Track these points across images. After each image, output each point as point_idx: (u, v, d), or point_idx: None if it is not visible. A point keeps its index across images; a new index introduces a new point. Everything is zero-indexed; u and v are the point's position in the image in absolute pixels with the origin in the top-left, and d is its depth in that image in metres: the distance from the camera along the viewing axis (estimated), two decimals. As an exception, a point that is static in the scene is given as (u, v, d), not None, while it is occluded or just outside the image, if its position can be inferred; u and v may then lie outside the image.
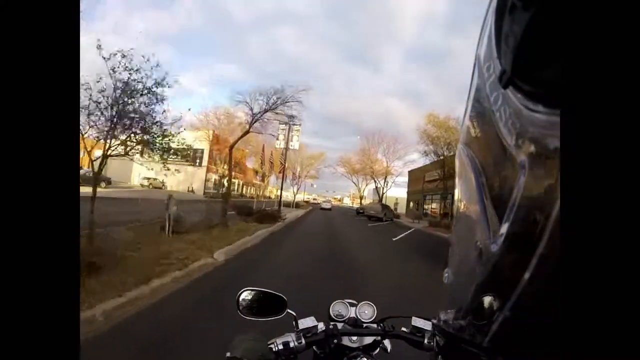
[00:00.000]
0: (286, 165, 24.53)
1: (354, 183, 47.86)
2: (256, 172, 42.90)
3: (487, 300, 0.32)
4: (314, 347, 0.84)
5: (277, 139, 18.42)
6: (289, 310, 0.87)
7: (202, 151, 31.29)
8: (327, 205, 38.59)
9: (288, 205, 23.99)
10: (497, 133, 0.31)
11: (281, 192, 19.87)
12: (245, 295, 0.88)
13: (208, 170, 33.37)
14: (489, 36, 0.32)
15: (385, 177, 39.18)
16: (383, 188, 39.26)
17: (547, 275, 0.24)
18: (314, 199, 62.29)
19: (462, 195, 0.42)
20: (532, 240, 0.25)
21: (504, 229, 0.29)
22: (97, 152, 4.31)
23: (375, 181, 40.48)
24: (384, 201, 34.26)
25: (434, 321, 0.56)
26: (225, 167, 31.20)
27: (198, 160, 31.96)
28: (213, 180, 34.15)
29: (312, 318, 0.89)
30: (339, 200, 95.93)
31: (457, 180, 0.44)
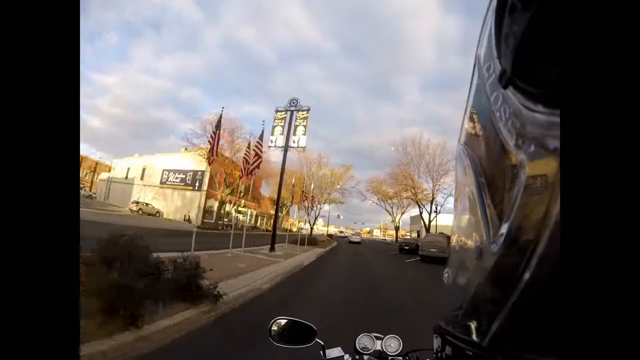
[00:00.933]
0: (305, 189, 21.25)
1: (388, 212, 40.42)
2: (274, 202, 36.75)
3: (487, 300, 0.32)
4: None
5: (272, 134, 13.11)
6: (317, 340, 0.90)
7: (202, 173, 26.93)
8: (356, 239, 35.60)
9: (297, 241, 15.26)
10: (497, 133, 0.31)
11: (274, 222, 13.60)
12: (278, 323, 0.93)
13: (208, 195, 27.99)
14: (489, 36, 0.32)
15: (433, 199, 27.54)
16: (430, 214, 27.92)
17: (547, 275, 0.24)
18: (340, 232, 57.98)
19: (462, 195, 0.42)
20: (532, 240, 0.25)
21: (504, 229, 0.29)
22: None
23: (419, 206, 29.23)
24: (432, 231, 23.39)
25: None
26: (228, 190, 27.38)
27: (197, 184, 27.67)
28: (216, 207, 29.11)
29: (339, 349, 0.91)
30: (369, 233, 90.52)
31: (457, 180, 0.44)
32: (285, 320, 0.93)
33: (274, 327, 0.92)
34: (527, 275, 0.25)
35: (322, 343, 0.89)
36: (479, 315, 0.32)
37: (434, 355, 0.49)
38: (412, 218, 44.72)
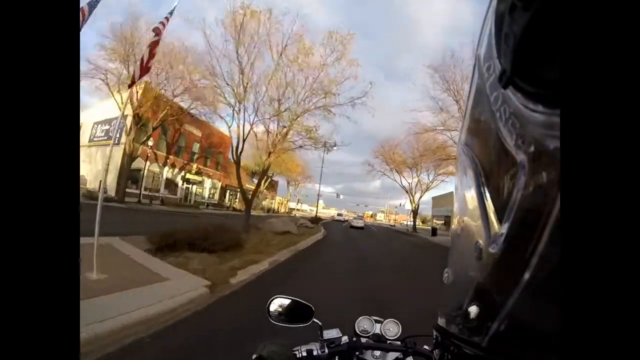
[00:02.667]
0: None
1: (405, 189, 30.43)
2: (254, 173, 27.42)
3: (487, 300, 0.32)
4: (336, 357, 0.86)
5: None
6: (315, 320, 0.89)
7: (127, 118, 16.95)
8: (359, 223, 28.85)
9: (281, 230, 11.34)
10: (497, 133, 0.31)
11: (249, 198, 10.47)
12: (276, 302, 0.92)
13: (133, 151, 17.92)
14: (489, 36, 0.32)
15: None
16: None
17: (547, 276, 0.24)
18: (338, 215, 46.23)
19: (462, 195, 0.42)
20: (532, 240, 0.25)
21: (504, 229, 0.29)
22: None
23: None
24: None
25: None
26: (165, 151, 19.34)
27: (119, 135, 17.68)
28: (146, 170, 20.04)
29: (337, 330, 0.91)
30: (372, 217, 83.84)
31: (457, 180, 0.44)
32: (284, 299, 0.93)
33: (272, 306, 0.92)
34: (527, 275, 0.25)
35: (319, 323, 0.89)
36: (479, 315, 0.32)
37: (434, 355, 0.49)
38: (435, 199, 33.98)
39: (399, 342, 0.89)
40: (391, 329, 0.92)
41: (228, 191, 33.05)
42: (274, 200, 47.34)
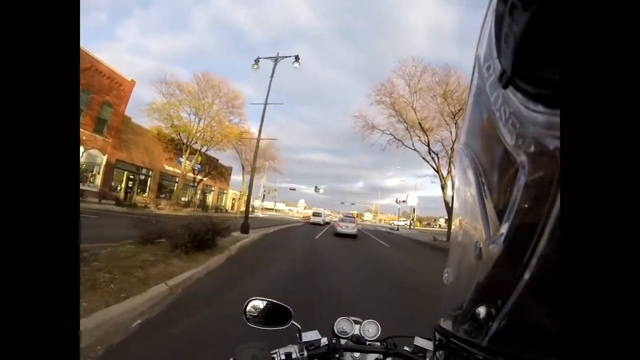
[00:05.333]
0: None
1: (432, 162, 18.34)
2: (182, 146, 20.29)
3: (486, 300, 0.32)
4: None
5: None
6: (293, 322, 0.88)
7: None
8: (349, 227, 16.17)
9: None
10: (497, 133, 0.31)
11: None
12: (253, 304, 0.90)
13: None
14: (489, 36, 0.32)
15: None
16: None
17: (547, 276, 0.24)
18: (315, 214, 29.86)
19: (462, 195, 0.42)
20: (532, 240, 0.25)
21: (504, 229, 0.29)
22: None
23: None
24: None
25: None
26: None
27: None
28: None
29: (316, 332, 0.90)
30: (358, 217, 75.97)
31: (457, 180, 0.44)
32: (261, 301, 0.91)
33: (249, 308, 0.90)
34: (527, 275, 0.25)
35: (298, 326, 0.88)
36: (479, 315, 0.32)
37: (434, 355, 0.49)
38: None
39: (378, 343, 0.89)
40: (370, 329, 0.92)
41: (125, 172, 18.83)
42: (226, 195, 35.35)
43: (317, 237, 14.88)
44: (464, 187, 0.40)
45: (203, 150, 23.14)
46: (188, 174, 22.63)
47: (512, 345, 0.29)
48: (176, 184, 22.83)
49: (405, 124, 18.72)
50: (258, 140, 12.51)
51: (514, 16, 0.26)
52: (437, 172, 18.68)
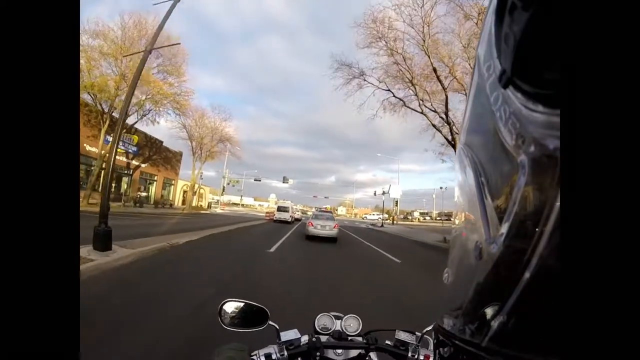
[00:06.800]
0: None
1: (439, 126, 14.53)
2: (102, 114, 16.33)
3: (486, 300, 0.32)
4: (298, 359, 0.84)
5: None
6: (270, 322, 0.87)
7: None
8: (326, 228, 11.75)
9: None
10: (497, 133, 0.31)
11: None
12: (228, 306, 0.88)
13: None
14: (489, 36, 0.32)
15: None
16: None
17: (547, 275, 0.24)
18: (280, 209, 23.79)
19: (462, 195, 0.42)
20: (532, 240, 0.25)
21: (504, 228, 0.29)
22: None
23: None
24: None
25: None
26: None
27: None
28: None
29: (295, 330, 0.88)
30: (333, 211, 77.53)
31: (457, 180, 0.44)
32: (236, 303, 0.89)
33: (225, 309, 0.88)
34: (527, 275, 0.25)
35: (276, 326, 0.87)
36: (479, 315, 0.32)
37: (434, 355, 0.49)
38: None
39: (360, 338, 0.88)
40: (352, 324, 0.91)
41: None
42: (174, 186, 29.84)
43: (272, 249, 8.37)
44: (464, 187, 0.40)
45: (134, 123, 17.71)
46: (120, 157, 17.52)
47: (511, 345, 0.29)
48: (93, 169, 17.11)
49: (410, 75, 14.01)
50: (149, 50, 7.04)
51: (514, 16, 0.26)
52: (453, 146, 13.87)
